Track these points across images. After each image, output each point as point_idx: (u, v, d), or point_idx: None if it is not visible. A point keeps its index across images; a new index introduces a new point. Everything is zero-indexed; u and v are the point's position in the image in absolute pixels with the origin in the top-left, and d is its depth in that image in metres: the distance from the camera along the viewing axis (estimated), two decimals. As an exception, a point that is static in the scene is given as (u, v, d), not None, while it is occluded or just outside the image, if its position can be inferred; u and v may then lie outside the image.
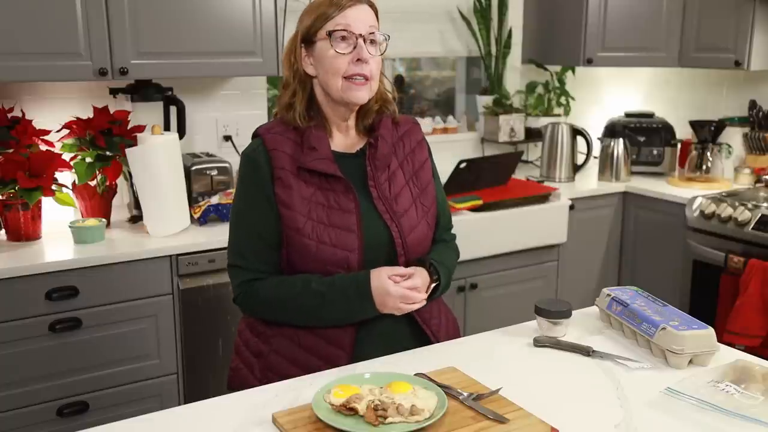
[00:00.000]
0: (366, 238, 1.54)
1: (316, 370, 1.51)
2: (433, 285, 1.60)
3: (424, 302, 1.56)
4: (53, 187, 2.42)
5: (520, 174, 3.54)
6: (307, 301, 1.53)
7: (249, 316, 1.66)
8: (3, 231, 2.44)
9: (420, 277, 1.55)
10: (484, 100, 3.69)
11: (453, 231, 1.80)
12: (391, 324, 1.58)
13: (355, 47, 1.52)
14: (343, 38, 1.52)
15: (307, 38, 1.56)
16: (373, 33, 1.54)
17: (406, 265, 1.58)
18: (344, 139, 1.64)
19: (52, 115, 2.63)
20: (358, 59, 1.52)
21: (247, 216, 1.59)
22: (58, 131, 2.56)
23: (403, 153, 1.66)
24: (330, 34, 1.52)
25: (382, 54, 1.57)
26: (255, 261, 1.58)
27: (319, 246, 1.52)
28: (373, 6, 1.58)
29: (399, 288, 1.50)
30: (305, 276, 1.55)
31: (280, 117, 1.63)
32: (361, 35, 1.52)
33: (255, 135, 1.63)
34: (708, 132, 3.45)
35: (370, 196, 1.59)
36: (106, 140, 2.52)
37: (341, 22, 1.52)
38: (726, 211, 2.95)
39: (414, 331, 1.62)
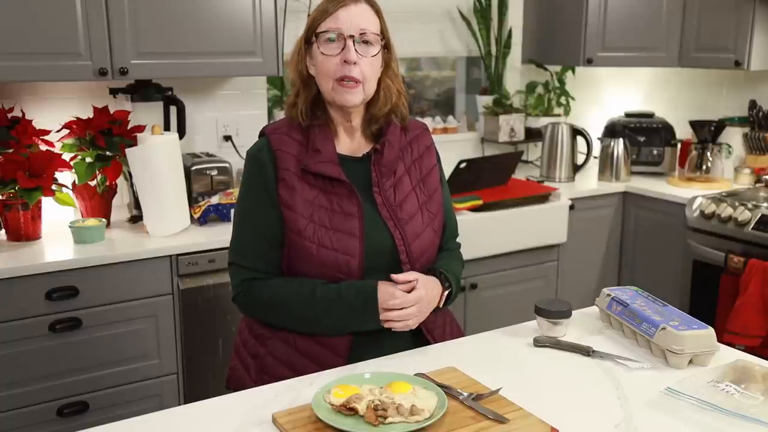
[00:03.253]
0: (368, 243, 1.53)
1: (310, 374, 1.50)
2: (446, 293, 1.60)
3: (418, 318, 1.54)
4: (53, 187, 2.42)
5: (520, 174, 3.54)
6: (310, 308, 1.52)
7: (247, 316, 1.66)
8: (3, 231, 2.44)
9: (424, 287, 1.53)
10: (484, 100, 3.69)
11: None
12: (391, 333, 1.56)
13: (343, 48, 1.50)
14: (332, 40, 1.51)
15: (307, 39, 1.56)
16: (364, 33, 1.51)
17: (424, 269, 1.58)
18: (350, 142, 1.62)
19: (52, 115, 2.63)
20: (345, 61, 1.50)
21: (250, 215, 1.58)
22: (58, 131, 2.56)
23: (410, 158, 1.65)
24: (318, 36, 1.52)
25: (376, 54, 1.54)
26: (256, 260, 1.58)
27: (320, 249, 1.52)
28: (373, 4, 1.56)
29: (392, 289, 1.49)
30: (310, 281, 1.54)
31: (287, 116, 1.62)
32: (350, 36, 1.50)
33: (261, 134, 1.62)
34: (708, 132, 3.45)
35: (374, 202, 1.57)
36: (106, 140, 2.52)
37: (331, 25, 1.51)
38: (726, 211, 2.95)
39: (416, 338, 1.61)
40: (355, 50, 1.50)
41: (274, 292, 1.56)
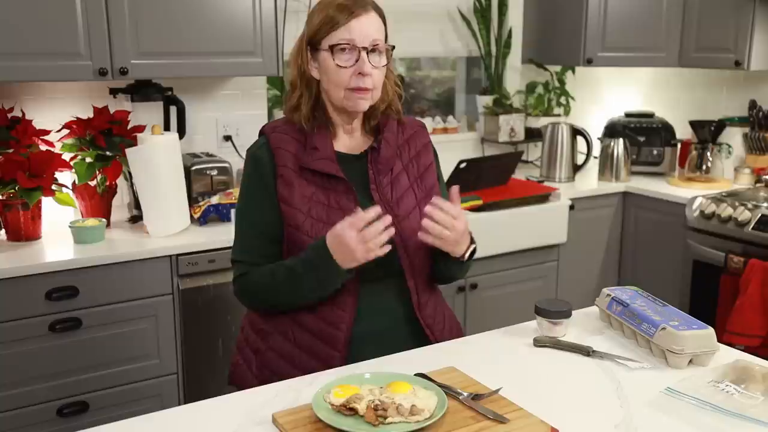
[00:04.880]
0: None
1: (310, 368, 1.52)
2: (473, 246, 1.62)
3: (453, 237, 1.52)
4: (53, 187, 2.42)
5: (520, 174, 3.54)
6: (282, 278, 1.54)
7: (248, 308, 1.69)
8: (3, 231, 2.44)
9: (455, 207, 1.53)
10: (484, 100, 3.69)
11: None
12: (389, 325, 1.58)
13: (357, 60, 1.52)
14: (345, 51, 1.52)
15: (312, 43, 1.56)
16: (377, 45, 1.53)
17: (423, 265, 1.60)
18: (349, 141, 1.64)
19: (52, 115, 2.63)
20: (360, 73, 1.52)
21: (249, 212, 1.61)
22: (58, 131, 2.56)
23: (408, 156, 1.67)
24: (332, 48, 1.52)
25: (385, 65, 1.56)
26: (257, 256, 1.60)
27: None
28: (379, 11, 1.57)
29: (345, 224, 1.45)
30: (292, 258, 1.55)
31: (286, 116, 1.64)
32: (364, 48, 1.52)
33: (261, 132, 1.64)
34: (708, 132, 3.46)
35: (371, 198, 1.59)
36: (106, 140, 2.52)
37: (344, 37, 1.51)
38: (726, 211, 2.95)
39: (414, 332, 1.62)
40: (369, 61, 1.52)
41: (261, 274, 1.58)
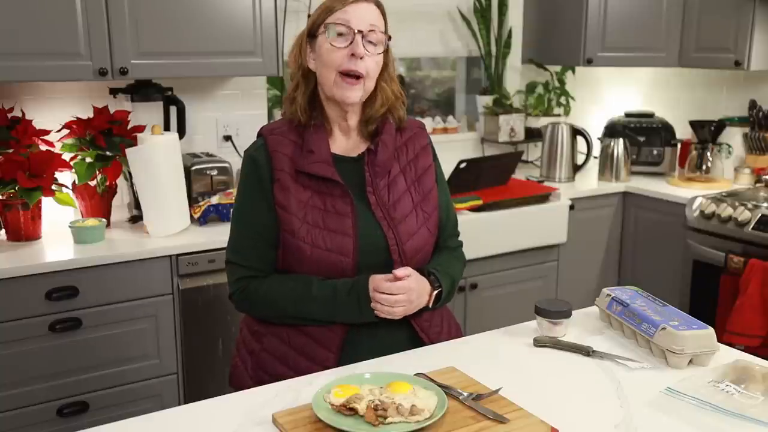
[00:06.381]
0: (361, 243, 1.54)
1: (304, 369, 1.52)
2: (435, 292, 1.60)
3: (405, 309, 1.54)
4: (53, 187, 2.42)
5: (520, 174, 3.54)
6: (305, 307, 1.54)
7: (243, 313, 1.68)
8: (3, 231, 2.44)
9: (414, 280, 1.53)
10: (484, 100, 3.69)
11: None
12: (384, 328, 1.57)
13: (351, 42, 1.52)
14: (341, 33, 1.52)
15: (311, 32, 1.57)
16: (373, 31, 1.53)
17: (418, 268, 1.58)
18: (346, 142, 1.63)
19: (52, 115, 2.63)
20: (353, 54, 1.51)
21: (246, 214, 1.60)
22: (58, 131, 2.56)
23: (406, 159, 1.65)
24: (327, 26, 1.53)
25: (381, 53, 1.56)
26: (253, 259, 1.59)
27: (314, 249, 1.53)
28: (380, 6, 1.58)
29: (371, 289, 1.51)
30: (305, 279, 1.55)
31: (285, 115, 1.63)
32: (360, 31, 1.52)
33: (259, 134, 1.63)
34: (708, 132, 3.46)
35: (368, 201, 1.58)
36: (106, 140, 2.52)
37: (341, 17, 1.52)
38: (726, 211, 2.95)
39: (411, 336, 1.62)
40: (363, 45, 1.52)
41: (269, 290, 1.57)
